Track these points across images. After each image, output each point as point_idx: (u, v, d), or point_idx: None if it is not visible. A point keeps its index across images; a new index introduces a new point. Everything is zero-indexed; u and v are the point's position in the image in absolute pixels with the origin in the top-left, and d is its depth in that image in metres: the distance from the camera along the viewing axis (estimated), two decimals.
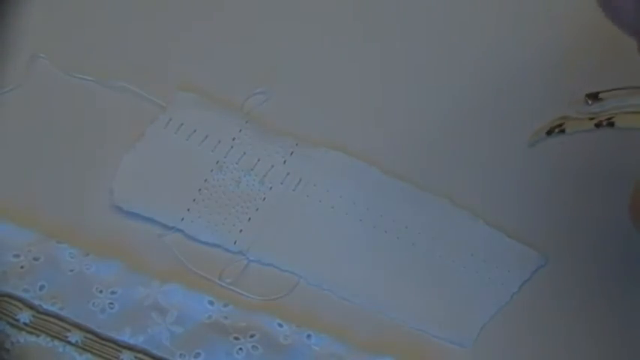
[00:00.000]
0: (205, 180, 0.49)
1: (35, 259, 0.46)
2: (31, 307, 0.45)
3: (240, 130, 0.50)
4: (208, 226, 0.48)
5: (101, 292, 0.45)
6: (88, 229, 0.48)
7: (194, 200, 0.48)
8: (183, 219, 0.48)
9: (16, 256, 0.46)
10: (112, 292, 0.45)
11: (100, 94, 0.52)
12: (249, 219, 0.48)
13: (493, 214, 0.49)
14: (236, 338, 0.44)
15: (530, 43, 0.54)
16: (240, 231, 0.48)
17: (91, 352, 0.44)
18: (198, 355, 0.44)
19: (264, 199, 0.49)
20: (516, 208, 0.49)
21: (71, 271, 0.46)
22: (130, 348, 0.44)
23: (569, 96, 0.46)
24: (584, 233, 0.48)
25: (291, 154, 0.50)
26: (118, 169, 0.49)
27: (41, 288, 0.45)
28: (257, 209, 0.49)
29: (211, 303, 0.45)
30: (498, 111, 0.52)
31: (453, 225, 0.48)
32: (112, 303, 0.45)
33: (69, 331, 0.44)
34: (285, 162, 0.50)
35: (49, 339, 0.44)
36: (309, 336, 0.45)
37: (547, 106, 0.47)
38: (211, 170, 0.49)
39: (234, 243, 0.48)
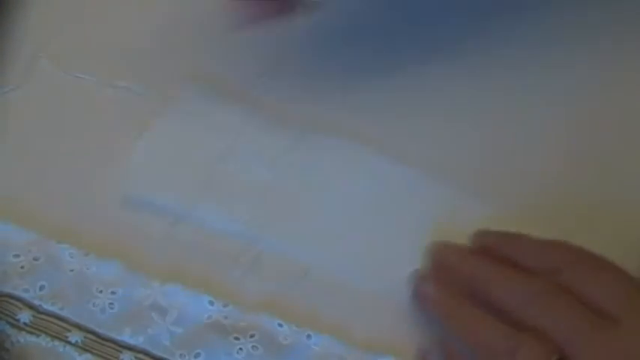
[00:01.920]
0: (215, 168, 0.49)
1: (35, 259, 0.46)
2: (31, 307, 0.45)
3: (250, 118, 0.51)
4: (219, 213, 0.48)
5: (101, 292, 0.45)
6: (88, 229, 0.48)
7: (205, 188, 0.49)
8: (194, 207, 0.48)
9: (17, 256, 0.46)
10: (112, 292, 0.45)
11: (100, 93, 0.52)
12: (258, 206, 0.48)
13: (499, 205, 0.49)
14: (236, 338, 0.44)
15: None
16: (250, 218, 0.48)
17: (91, 353, 0.44)
18: (198, 355, 0.44)
19: (275, 186, 0.49)
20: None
21: (71, 271, 0.46)
22: (130, 348, 0.44)
23: None
24: None
25: (301, 141, 0.50)
26: (126, 161, 0.49)
27: (41, 288, 0.45)
28: (267, 196, 0.49)
29: (211, 303, 0.45)
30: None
31: (463, 215, 0.48)
32: (112, 303, 0.45)
33: (69, 331, 0.44)
34: (294, 149, 0.50)
35: (49, 339, 0.44)
36: (309, 336, 0.45)
37: None
38: (221, 158, 0.49)
39: (245, 230, 0.48)
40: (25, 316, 0.44)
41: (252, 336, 0.45)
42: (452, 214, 0.48)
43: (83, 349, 0.44)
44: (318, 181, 0.49)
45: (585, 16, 0.54)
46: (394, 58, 0.53)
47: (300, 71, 0.53)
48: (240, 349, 0.44)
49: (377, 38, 0.54)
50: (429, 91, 0.52)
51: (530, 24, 0.54)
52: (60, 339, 0.44)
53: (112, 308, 0.45)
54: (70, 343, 0.44)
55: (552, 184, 0.50)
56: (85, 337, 0.44)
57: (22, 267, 0.46)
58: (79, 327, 0.44)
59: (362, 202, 0.49)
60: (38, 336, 0.44)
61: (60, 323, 0.45)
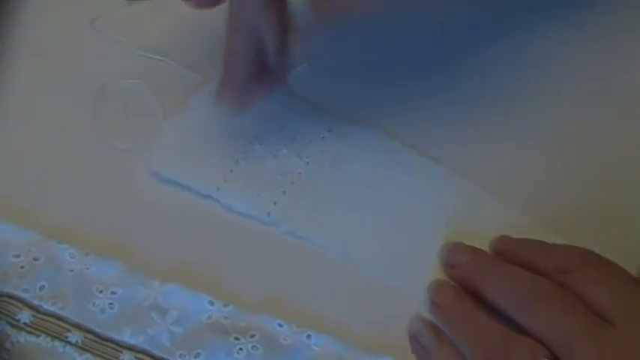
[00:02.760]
0: (243, 152, 0.50)
1: (35, 259, 0.46)
2: (31, 307, 0.45)
3: (282, 105, 0.51)
4: (243, 197, 0.49)
5: (101, 292, 0.45)
6: (88, 229, 0.48)
7: (231, 171, 0.49)
8: (218, 189, 0.49)
9: (17, 256, 0.46)
10: (112, 293, 0.45)
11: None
12: (284, 192, 0.49)
13: (526, 206, 0.49)
14: (236, 338, 0.44)
15: None
16: (275, 203, 0.49)
17: (91, 353, 0.44)
18: (198, 355, 0.44)
19: (300, 173, 0.50)
20: (555, 207, 0.50)
21: (71, 271, 0.46)
22: (130, 348, 0.44)
23: None
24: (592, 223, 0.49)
25: (330, 130, 0.51)
26: (157, 138, 0.50)
27: (41, 288, 0.45)
28: (292, 183, 0.49)
29: (211, 303, 0.45)
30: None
31: (483, 212, 0.49)
32: (112, 303, 0.45)
33: (69, 331, 0.44)
34: (323, 138, 0.51)
35: (49, 339, 0.44)
36: (309, 336, 0.45)
37: None
38: (250, 142, 0.50)
39: (268, 215, 0.48)
40: (25, 316, 0.44)
41: (252, 336, 0.45)
42: (473, 213, 0.49)
43: (83, 349, 0.44)
44: (346, 171, 0.50)
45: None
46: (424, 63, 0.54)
47: (333, 67, 0.54)
48: (241, 349, 0.44)
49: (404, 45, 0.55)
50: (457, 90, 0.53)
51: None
52: (60, 339, 0.44)
53: (111, 308, 0.45)
54: (70, 343, 0.44)
55: (568, 189, 0.50)
56: (85, 337, 0.44)
57: (22, 267, 0.46)
58: (79, 327, 0.44)
59: (387, 194, 0.49)
60: (38, 336, 0.44)
61: (60, 323, 0.44)
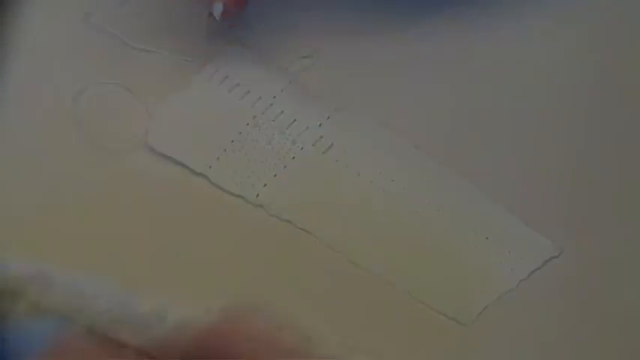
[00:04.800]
0: (239, 133, 0.51)
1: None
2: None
3: (282, 90, 0.53)
4: (234, 176, 0.50)
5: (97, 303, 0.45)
6: (83, 240, 0.47)
7: (225, 150, 0.50)
8: (211, 167, 0.50)
9: None
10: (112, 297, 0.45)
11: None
12: (275, 175, 0.50)
13: (513, 201, 0.50)
14: None
15: None
16: (265, 185, 0.50)
17: None
18: None
19: (294, 158, 0.51)
20: (537, 197, 0.50)
21: (63, 287, 0.45)
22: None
23: None
24: (602, 230, 0.49)
25: (328, 118, 0.52)
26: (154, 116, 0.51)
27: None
28: (285, 167, 0.50)
29: (210, 306, 0.45)
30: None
31: (473, 208, 0.50)
32: (110, 309, 0.44)
33: None
34: (320, 125, 0.52)
35: None
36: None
37: None
38: (247, 124, 0.51)
39: (257, 196, 0.49)
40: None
41: None
42: (463, 210, 0.50)
43: None
44: (338, 159, 0.51)
45: None
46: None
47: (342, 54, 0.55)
48: None
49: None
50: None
51: None
52: None
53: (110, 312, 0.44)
54: None
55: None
56: None
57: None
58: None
59: (377, 185, 0.50)
60: None
61: None
